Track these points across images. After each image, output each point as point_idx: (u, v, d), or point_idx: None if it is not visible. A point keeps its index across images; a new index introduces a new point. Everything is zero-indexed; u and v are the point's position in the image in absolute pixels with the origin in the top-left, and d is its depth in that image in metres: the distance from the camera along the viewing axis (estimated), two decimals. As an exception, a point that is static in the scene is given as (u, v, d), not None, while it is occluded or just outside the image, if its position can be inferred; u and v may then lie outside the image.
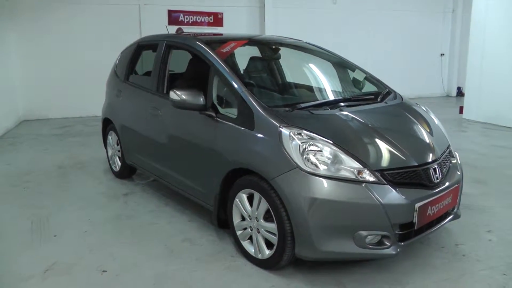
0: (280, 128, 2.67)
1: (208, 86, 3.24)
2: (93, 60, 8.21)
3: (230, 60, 3.40)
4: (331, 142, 2.61)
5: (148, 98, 3.98)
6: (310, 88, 3.70)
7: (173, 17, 4.86)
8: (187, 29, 4.44)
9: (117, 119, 4.59)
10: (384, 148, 2.74)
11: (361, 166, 2.55)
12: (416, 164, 2.70)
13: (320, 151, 2.57)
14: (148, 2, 8.50)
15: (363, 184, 2.50)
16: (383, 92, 3.56)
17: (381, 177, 2.55)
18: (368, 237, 2.52)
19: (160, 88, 3.85)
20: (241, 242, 3.00)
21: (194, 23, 5.35)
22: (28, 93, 8.19)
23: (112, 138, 4.83)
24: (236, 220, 3.02)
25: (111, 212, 3.93)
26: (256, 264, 2.91)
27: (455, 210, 3.09)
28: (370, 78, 3.78)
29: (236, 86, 3.01)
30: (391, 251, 2.58)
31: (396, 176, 2.61)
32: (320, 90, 3.65)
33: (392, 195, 2.53)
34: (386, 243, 2.57)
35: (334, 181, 2.50)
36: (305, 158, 2.55)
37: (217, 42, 3.65)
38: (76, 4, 8.34)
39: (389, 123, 3.07)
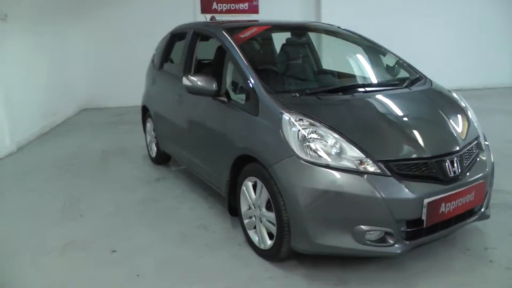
0: (282, 114, 2.58)
1: (223, 72, 3.21)
2: (148, 50, 8.49)
3: (246, 45, 3.34)
4: (333, 129, 2.47)
5: (176, 85, 4.05)
6: (332, 73, 3.54)
7: (205, 5, 4.86)
8: (222, 17, 4.42)
9: (152, 107, 4.73)
10: (393, 137, 2.54)
11: (364, 156, 2.38)
12: (429, 155, 2.47)
13: (321, 138, 2.44)
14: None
15: (364, 175, 2.34)
16: (411, 78, 3.31)
17: (385, 169, 2.36)
18: (368, 232, 2.36)
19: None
20: (248, 231, 2.96)
21: (228, 11, 5.29)
22: (90, 83, 8.72)
23: (149, 125, 4.98)
24: (244, 208, 2.97)
25: (139, 195, 4.06)
26: (259, 254, 2.85)
27: (482, 209, 2.80)
28: (401, 64, 3.53)
29: (245, 70, 2.96)
30: (395, 249, 2.40)
31: (404, 167, 2.41)
32: (343, 75, 3.48)
33: (396, 188, 2.33)
34: (389, 240, 2.39)
35: (333, 171, 2.36)
36: (304, 145, 2.43)
37: (239, 28, 3.60)
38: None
39: (406, 110, 2.83)
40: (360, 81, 3.34)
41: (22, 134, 5.92)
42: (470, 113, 3.10)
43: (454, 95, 3.24)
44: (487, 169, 2.76)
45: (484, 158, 2.82)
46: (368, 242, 2.38)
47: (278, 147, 2.53)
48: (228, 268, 2.76)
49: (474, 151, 2.78)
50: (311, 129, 2.47)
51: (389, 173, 2.36)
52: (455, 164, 2.53)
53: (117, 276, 2.74)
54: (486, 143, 3.02)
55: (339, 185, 2.33)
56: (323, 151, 2.41)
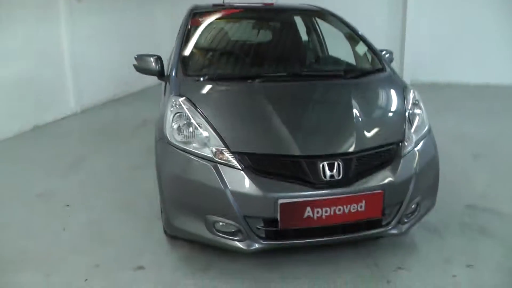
0: (170, 96, 2.66)
1: (172, 54, 3.36)
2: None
3: (196, 28, 3.40)
4: (203, 116, 2.49)
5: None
6: (279, 60, 3.36)
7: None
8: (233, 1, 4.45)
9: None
10: (264, 130, 2.44)
11: (222, 146, 2.34)
12: (297, 154, 2.30)
13: (189, 124, 2.47)
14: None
15: (216, 165, 2.31)
16: (367, 69, 3.04)
17: (238, 161, 2.29)
18: (217, 223, 2.34)
19: None
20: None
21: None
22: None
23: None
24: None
25: (135, 162, 4.37)
26: (165, 231, 2.98)
27: (391, 224, 2.47)
28: (369, 53, 3.22)
29: (175, 52, 3.08)
30: (245, 245, 2.34)
31: (261, 163, 2.30)
32: (287, 62, 3.31)
33: (244, 183, 2.25)
34: (239, 235, 2.33)
35: (190, 156, 2.38)
36: (173, 128, 2.50)
37: (209, 12, 3.65)
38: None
39: (306, 103, 2.68)
40: (297, 70, 3.15)
41: (90, 98, 6.80)
42: (417, 117, 2.71)
43: (410, 93, 2.85)
44: (392, 179, 2.40)
45: (396, 166, 2.45)
46: (218, 233, 2.36)
47: (160, 128, 2.63)
48: (127, 237, 2.94)
49: (382, 156, 2.45)
50: (185, 114, 2.52)
51: (239, 166, 2.28)
52: (336, 168, 2.30)
53: (48, 224, 3.16)
54: (417, 149, 2.58)
55: (191, 171, 2.36)
56: (185, 136, 2.45)
